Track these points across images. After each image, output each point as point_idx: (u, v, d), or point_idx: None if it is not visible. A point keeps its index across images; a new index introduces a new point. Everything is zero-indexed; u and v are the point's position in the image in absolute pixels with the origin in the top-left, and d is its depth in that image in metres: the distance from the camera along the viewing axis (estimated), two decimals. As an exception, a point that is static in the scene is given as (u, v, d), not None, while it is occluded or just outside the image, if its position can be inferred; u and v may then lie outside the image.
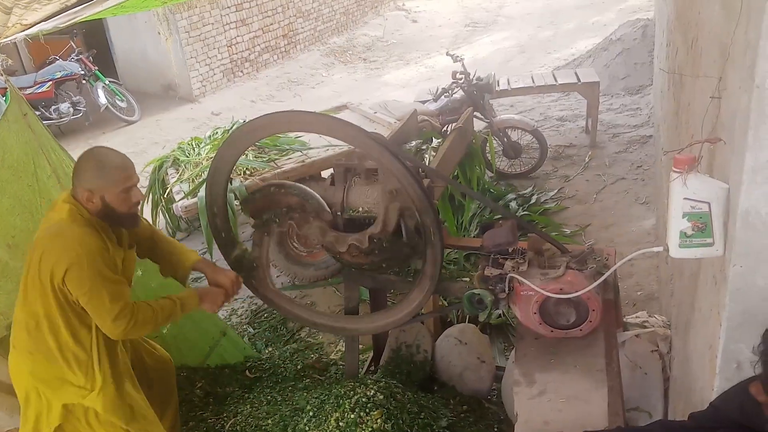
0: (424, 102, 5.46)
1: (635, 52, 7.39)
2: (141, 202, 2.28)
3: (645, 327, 2.82)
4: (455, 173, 4.64)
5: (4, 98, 7.24)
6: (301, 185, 2.58)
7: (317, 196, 2.52)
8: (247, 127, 2.43)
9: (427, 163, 3.92)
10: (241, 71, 9.89)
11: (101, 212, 2.19)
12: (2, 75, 3.12)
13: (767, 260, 1.42)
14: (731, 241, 1.47)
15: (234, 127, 5.12)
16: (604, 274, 2.03)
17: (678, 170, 1.52)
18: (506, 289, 2.11)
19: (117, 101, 8.35)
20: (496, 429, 2.86)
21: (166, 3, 3.17)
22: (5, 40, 2.66)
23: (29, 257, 2.22)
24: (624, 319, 2.87)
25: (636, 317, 2.96)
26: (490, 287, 2.14)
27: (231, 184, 4.03)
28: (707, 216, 1.52)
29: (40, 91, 7.69)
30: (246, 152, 4.00)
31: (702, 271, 1.94)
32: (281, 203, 2.54)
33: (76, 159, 3.16)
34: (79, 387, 2.27)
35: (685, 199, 1.51)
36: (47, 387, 2.28)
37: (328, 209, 2.52)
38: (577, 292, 1.97)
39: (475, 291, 2.13)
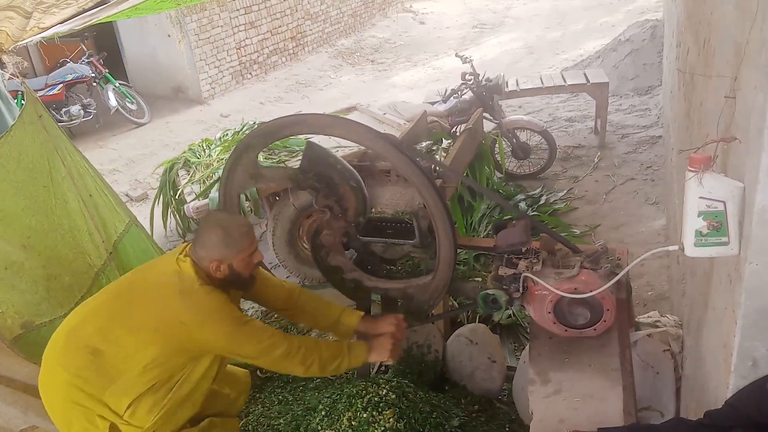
0: (433, 103, 5.48)
1: (644, 53, 7.38)
2: (261, 260, 2.30)
3: (657, 326, 2.82)
4: (465, 174, 4.65)
5: (15, 101, 7.32)
6: (368, 194, 2.56)
7: (368, 199, 2.52)
8: (267, 128, 2.45)
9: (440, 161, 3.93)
10: (250, 73, 9.94)
11: (227, 278, 2.21)
12: (18, 77, 3.15)
13: (783, 258, 1.43)
14: (747, 239, 1.47)
15: (244, 129, 5.15)
16: (617, 273, 2.04)
17: (693, 169, 1.52)
18: (520, 288, 2.12)
19: (127, 103, 8.40)
20: (507, 429, 2.87)
21: (179, 5, 3.20)
22: (23, 42, 2.70)
23: (129, 298, 2.19)
24: (636, 319, 2.87)
25: (648, 317, 2.96)
26: (504, 287, 2.14)
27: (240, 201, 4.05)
28: (722, 215, 1.52)
29: (51, 93, 7.75)
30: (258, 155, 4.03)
31: (715, 270, 1.94)
32: (339, 190, 2.51)
33: (88, 160, 3.23)
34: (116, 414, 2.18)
35: (700, 198, 1.52)
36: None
37: (363, 219, 2.52)
38: (591, 291, 1.97)
39: (490, 291, 2.14)
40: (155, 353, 2.11)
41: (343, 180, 2.49)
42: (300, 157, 4.49)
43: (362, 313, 2.55)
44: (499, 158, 5.30)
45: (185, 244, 2.30)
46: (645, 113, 6.62)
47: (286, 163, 4.46)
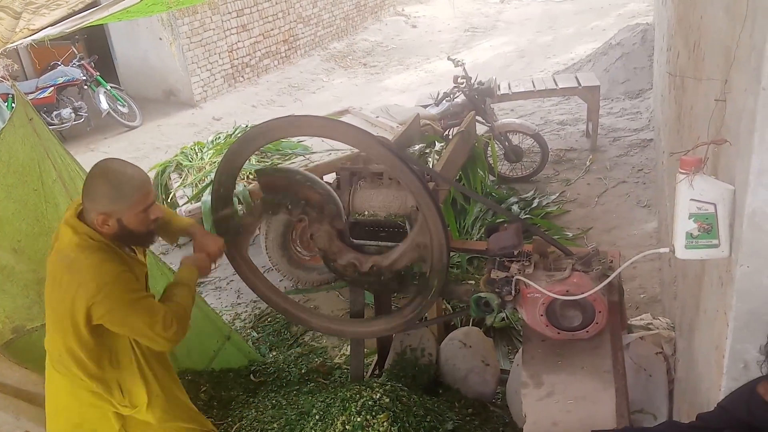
0: (425, 106, 5.49)
1: (635, 57, 7.43)
2: (159, 216, 2.12)
3: (649, 329, 2.83)
4: (458, 177, 4.66)
5: (6, 104, 7.27)
6: (328, 186, 2.58)
7: (339, 202, 2.52)
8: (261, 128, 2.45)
9: (431, 167, 3.93)
10: (242, 76, 9.92)
11: (117, 235, 2.02)
12: (8, 80, 3.13)
13: (774, 261, 1.44)
14: (738, 241, 1.48)
15: (237, 132, 5.14)
16: (609, 276, 2.04)
17: (684, 171, 1.53)
18: (513, 291, 2.12)
19: (118, 106, 8.37)
20: (501, 432, 2.87)
21: (170, 8, 3.20)
22: (12, 45, 2.68)
23: (46, 291, 2.10)
24: (628, 322, 2.89)
25: (640, 319, 2.98)
26: (497, 290, 2.15)
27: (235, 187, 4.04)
28: (713, 217, 1.54)
29: (41, 96, 7.71)
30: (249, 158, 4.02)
31: (707, 273, 1.95)
32: (300, 194, 2.52)
33: (80, 163, 3.21)
34: (122, 405, 2.18)
35: (691, 200, 1.53)
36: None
37: (344, 218, 2.52)
38: (583, 293, 1.98)
39: (482, 294, 2.14)
40: (88, 338, 2.01)
41: (300, 186, 2.51)
42: (293, 161, 4.51)
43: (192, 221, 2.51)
44: (491, 161, 5.31)
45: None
46: (636, 116, 6.66)
47: (278, 166, 4.45)
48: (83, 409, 2.19)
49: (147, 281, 2.31)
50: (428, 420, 2.58)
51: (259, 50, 10.17)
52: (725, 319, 1.58)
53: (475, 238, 4.48)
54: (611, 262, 2.22)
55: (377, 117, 5.03)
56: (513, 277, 2.14)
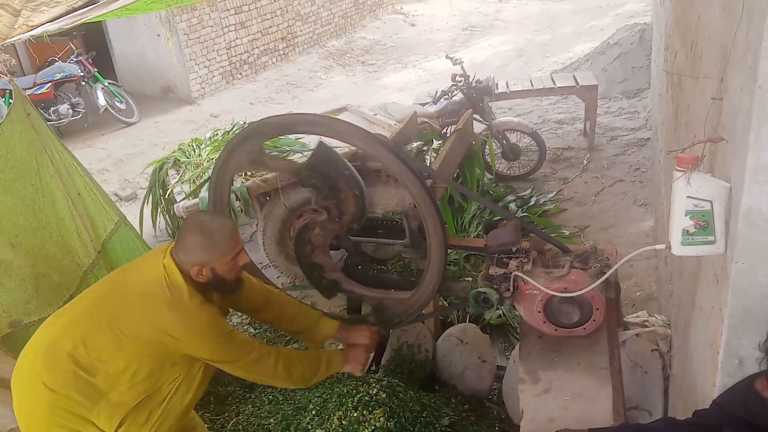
0: (423, 104, 5.49)
1: (633, 56, 7.44)
2: (248, 262, 2.20)
3: (645, 326, 2.84)
4: (455, 174, 4.67)
5: (3, 99, 7.26)
6: (365, 193, 2.56)
7: (366, 211, 2.53)
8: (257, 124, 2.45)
9: (428, 165, 3.94)
10: (240, 74, 9.91)
11: (210, 282, 2.11)
12: (6, 75, 3.13)
13: (769, 257, 1.45)
14: (733, 238, 1.50)
15: (234, 129, 5.14)
16: (606, 273, 2.06)
17: (681, 169, 1.54)
18: (511, 288, 2.13)
19: (116, 103, 8.35)
20: (497, 428, 2.88)
21: (170, 5, 3.20)
22: (11, 40, 2.68)
23: (104, 306, 2.07)
24: (624, 319, 2.90)
25: (636, 317, 2.99)
26: (495, 286, 2.16)
27: (232, 184, 4.05)
28: (709, 214, 1.55)
29: (39, 92, 7.69)
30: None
31: (702, 270, 1.96)
32: (339, 189, 2.50)
33: (77, 159, 3.21)
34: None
35: (688, 197, 1.54)
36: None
37: (357, 226, 2.54)
38: (581, 290, 1.99)
39: (481, 289, 2.15)
40: (141, 365, 2.01)
41: (348, 186, 2.48)
42: (291, 158, 4.51)
43: (338, 322, 2.51)
44: (489, 159, 5.32)
45: (170, 242, 2.18)
46: (633, 116, 6.68)
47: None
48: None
49: None
50: (424, 415, 2.59)
51: (258, 47, 10.15)
52: (720, 316, 1.59)
53: (472, 236, 4.49)
54: (608, 259, 2.23)
55: (375, 115, 5.03)
56: (511, 273, 2.15)
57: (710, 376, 1.70)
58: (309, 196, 4.19)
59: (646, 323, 2.89)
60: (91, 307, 2.08)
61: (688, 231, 1.57)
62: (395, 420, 2.48)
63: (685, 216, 1.56)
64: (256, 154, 2.51)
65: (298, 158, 4.48)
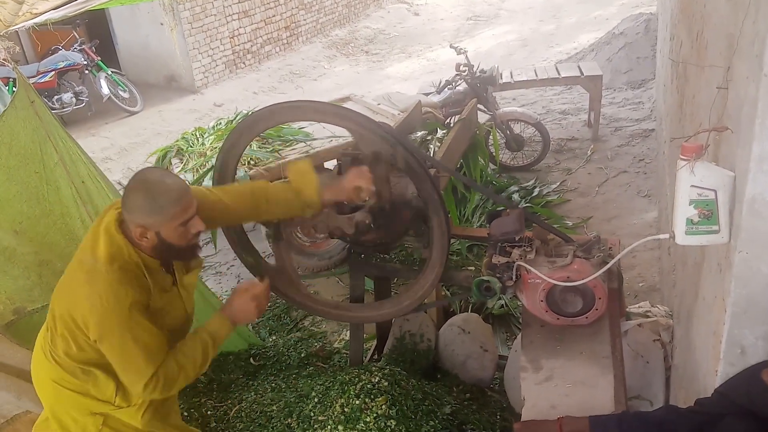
0: (427, 94, 5.48)
1: (638, 47, 7.40)
2: (202, 229, 1.97)
3: (647, 316, 2.85)
4: (459, 165, 4.66)
5: (7, 87, 7.26)
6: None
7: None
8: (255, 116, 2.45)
9: (432, 154, 3.94)
10: (243, 63, 9.89)
11: (157, 248, 1.92)
12: (9, 63, 3.13)
13: (772, 247, 1.45)
14: (737, 228, 1.49)
15: (237, 118, 5.14)
16: (609, 262, 2.06)
17: (685, 158, 1.54)
18: (513, 276, 2.13)
19: (119, 91, 8.35)
20: (498, 417, 2.89)
21: (173, -8, 3.18)
22: (15, 27, 2.68)
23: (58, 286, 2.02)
24: (626, 309, 2.90)
25: (638, 307, 2.99)
26: (498, 275, 2.16)
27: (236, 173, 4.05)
28: (713, 203, 1.54)
29: (42, 80, 7.69)
30: (250, 144, 4.02)
31: (706, 260, 1.96)
32: (391, 219, 2.40)
33: (81, 147, 3.21)
34: (110, 402, 2.08)
35: (692, 186, 1.54)
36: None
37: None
38: (584, 279, 1.99)
39: (484, 278, 2.15)
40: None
41: (401, 226, 2.40)
42: (294, 147, 4.51)
43: (315, 183, 2.22)
44: (493, 150, 5.31)
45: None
46: (638, 106, 6.65)
47: (279, 152, 4.45)
48: (63, 404, 2.11)
49: (191, 302, 2.18)
50: (426, 404, 2.60)
51: (261, 36, 10.12)
52: (723, 306, 1.59)
53: (475, 226, 4.49)
54: (611, 249, 2.23)
55: (379, 104, 5.02)
56: (514, 262, 2.15)
57: (712, 365, 1.70)
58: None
59: (649, 313, 2.89)
60: (64, 278, 2.03)
61: (692, 220, 1.57)
62: (397, 408, 2.49)
63: (689, 205, 1.56)
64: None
65: (302, 147, 4.48)
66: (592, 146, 5.95)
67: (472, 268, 3.51)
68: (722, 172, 1.53)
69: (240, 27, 9.72)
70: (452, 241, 3.65)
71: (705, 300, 1.93)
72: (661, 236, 1.75)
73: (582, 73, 5.96)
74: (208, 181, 4.19)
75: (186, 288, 2.14)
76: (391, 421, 2.42)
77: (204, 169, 4.42)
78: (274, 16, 10.27)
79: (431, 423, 2.52)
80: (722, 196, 1.53)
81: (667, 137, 4.04)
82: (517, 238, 2.22)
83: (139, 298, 1.90)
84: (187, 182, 1.98)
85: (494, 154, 5.34)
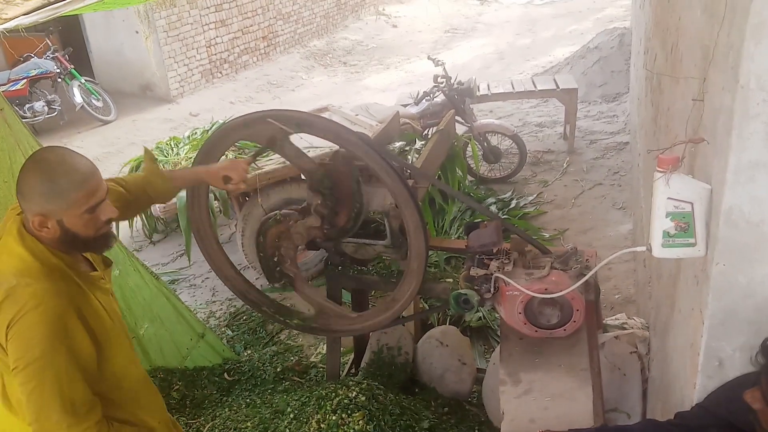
0: (405, 105, 5.48)
1: (612, 61, 7.51)
2: (113, 217, 1.72)
3: (624, 329, 2.85)
4: (437, 176, 4.65)
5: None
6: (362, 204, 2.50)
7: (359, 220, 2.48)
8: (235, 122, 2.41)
9: (410, 163, 3.92)
10: (220, 72, 9.82)
11: (61, 239, 1.63)
12: (-24, 69, 3.04)
13: (749, 258, 1.45)
14: (714, 239, 1.49)
15: (213, 128, 5.08)
16: (586, 274, 2.05)
17: (662, 170, 1.54)
18: (492, 289, 2.12)
19: (93, 100, 8.21)
20: (476, 430, 2.86)
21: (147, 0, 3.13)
22: (-18, 32, 2.60)
23: None
24: (603, 321, 2.90)
25: (615, 319, 3.00)
26: (476, 287, 2.14)
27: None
28: (690, 216, 1.54)
29: (14, 88, 7.53)
30: (226, 153, 3.97)
31: (682, 272, 1.96)
32: (342, 202, 2.43)
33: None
34: None
35: (668, 198, 1.53)
36: None
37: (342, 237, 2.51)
38: (561, 291, 1.98)
39: (462, 291, 2.13)
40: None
41: (353, 200, 2.42)
42: (270, 158, 4.46)
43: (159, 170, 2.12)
44: (472, 161, 5.33)
45: None
46: (612, 120, 6.74)
47: (256, 162, 4.38)
48: None
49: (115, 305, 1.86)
50: (404, 419, 2.56)
51: (238, 46, 10.07)
52: (701, 318, 1.59)
53: (453, 238, 4.48)
54: (588, 261, 2.23)
55: (357, 115, 5.00)
56: (492, 274, 2.13)
57: (690, 377, 1.70)
58: (288, 198, 4.16)
59: (625, 325, 2.90)
60: None
61: (668, 233, 1.57)
62: (374, 423, 2.45)
63: (666, 217, 1.56)
64: (280, 134, 2.29)
65: (279, 157, 4.43)
66: (567, 159, 6.00)
67: (450, 280, 3.49)
68: (699, 184, 1.54)
69: (217, 36, 9.65)
70: (430, 252, 3.63)
71: (681, 312, 1.93)
72: (638, 248, 1.75)
73: (558, 86, 6.02)
74: (182, 192, 4.12)
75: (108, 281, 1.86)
76: (369, 436, 2.38)
77: (178, 180, 4.35)
78: (251, 26, 10.23)
79: (409, 438, 2.48)
80: (699, 208, 1.53)
81: (642, 150, 4.08)
82: (494, 250, 2.20)
83: (69, 309, 1.60)
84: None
85: (474, 166, 5.35)
